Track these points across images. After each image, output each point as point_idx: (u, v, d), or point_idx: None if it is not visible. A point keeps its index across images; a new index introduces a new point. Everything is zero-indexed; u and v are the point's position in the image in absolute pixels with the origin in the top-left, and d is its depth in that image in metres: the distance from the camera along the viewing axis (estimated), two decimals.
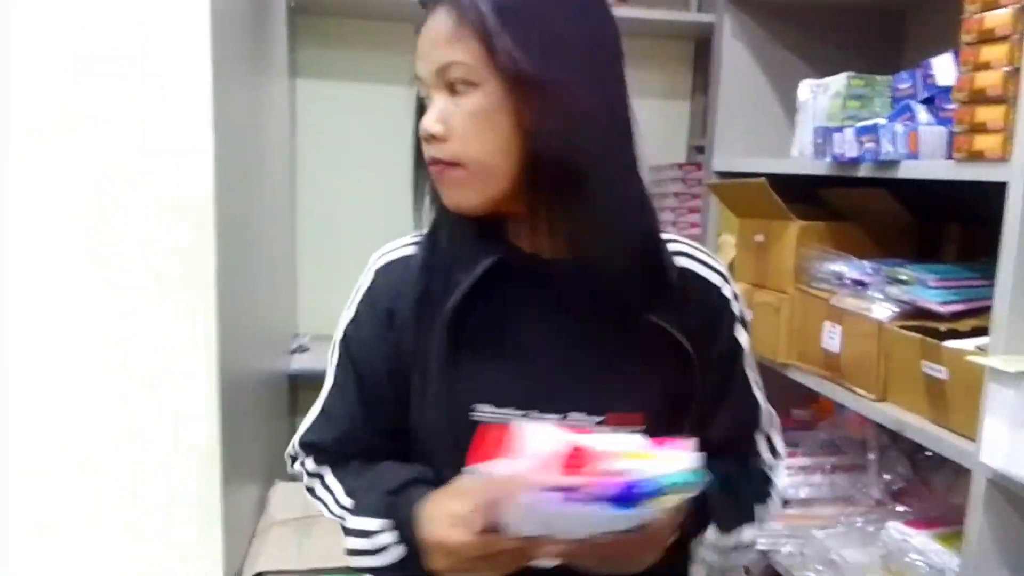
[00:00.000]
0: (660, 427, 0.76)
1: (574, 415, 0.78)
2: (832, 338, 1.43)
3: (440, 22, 0.73)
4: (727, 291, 0.86)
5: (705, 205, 2.10)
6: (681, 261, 0.84)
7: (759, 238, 1.65)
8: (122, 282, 1.35)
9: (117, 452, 1.39)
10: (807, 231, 1.54)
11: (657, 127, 2.50)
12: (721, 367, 0.85)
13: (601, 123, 0.75)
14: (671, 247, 0.83)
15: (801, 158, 1.64)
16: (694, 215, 2.28)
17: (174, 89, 1.31)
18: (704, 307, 0.84)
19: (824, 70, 1.66)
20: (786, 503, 1.57)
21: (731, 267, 1.78)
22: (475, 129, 0.73)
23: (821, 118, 1.58)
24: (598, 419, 0.78)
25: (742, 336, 0.87)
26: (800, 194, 1.61)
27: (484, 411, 0.78)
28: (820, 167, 1.50)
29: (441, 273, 0.80)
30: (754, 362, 0.90)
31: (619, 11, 2.23)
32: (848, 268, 1.42)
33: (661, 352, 0.79)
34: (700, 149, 2.37)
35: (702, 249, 0.87)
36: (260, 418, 1.83)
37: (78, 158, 1.30)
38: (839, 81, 1.55)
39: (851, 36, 1.91)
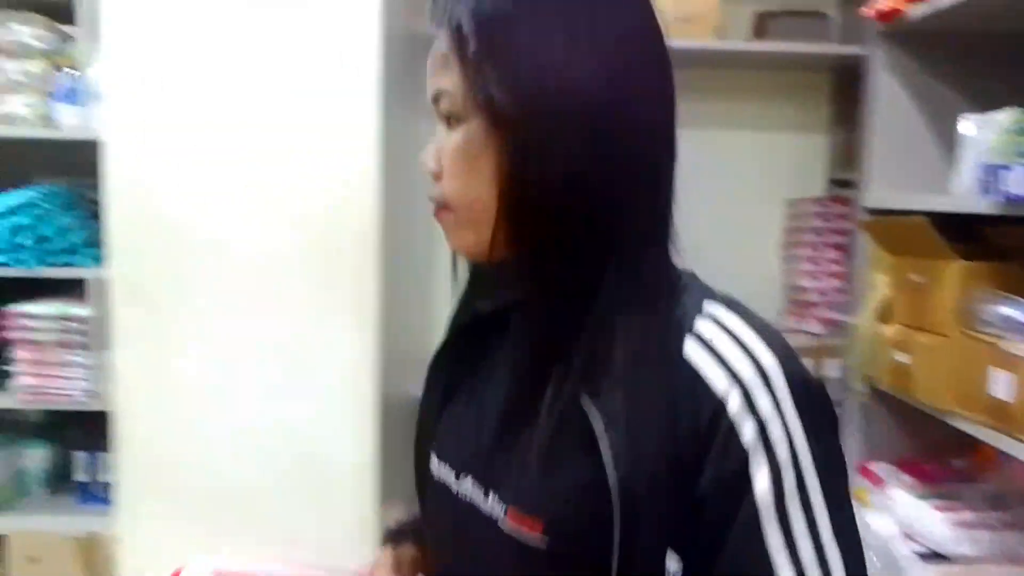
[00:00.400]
0: (569, 551, 0.61)
1: (492, 497, 0.67)
2: (1001, 385, 1.35)
3: (438, 46, 0.66)
4: (734, 403, 0.58)
5: (852, 242, 2.04)
6: (688, 349, 0.61)
7: (917, 278, 1.59)
8: (291, 300, 1.44)
9: (275, 466, 1.48)
10: (971, 271, 1.47)
11: (792, 161, 2.45)
12: (709, 516, 0.59)
13: (592, 181, 0.61)
14: (698, 326, 0.62)
15: (964, 195, 1.57)
16: (836, 252, 2.21)
17: (346, 117, 1.41)
18: (692, 420, 0.59)
19: (981, 103, 1.59)
20: (945, 559, 1.49)
21: (884, 308, 1.72)
22: (458, 169, 0.65)
23: (987, 154, 1.52)
24: (504, 508, 0.65)
25: (760, 478, 0.57)
26: (957, 232, 1.54)
27: (433, 462, 0.76)
28: (987, 205, 1.43)
29: (455, 315, 0.80)
30: (807, 524, 0.57)
31: (757, 46, 2.22)
32: (1021, 312, 1.34)
33: (581, 454, 0.61)
34: (842, 183, 2.31)
35: (737, 336, 0.61)
36: (406, 438, 1.90)
37: (257, 178, 1.41)
38: (1007, 116, 1.48)
39: (1011, 68, 1.82)
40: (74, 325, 2.07)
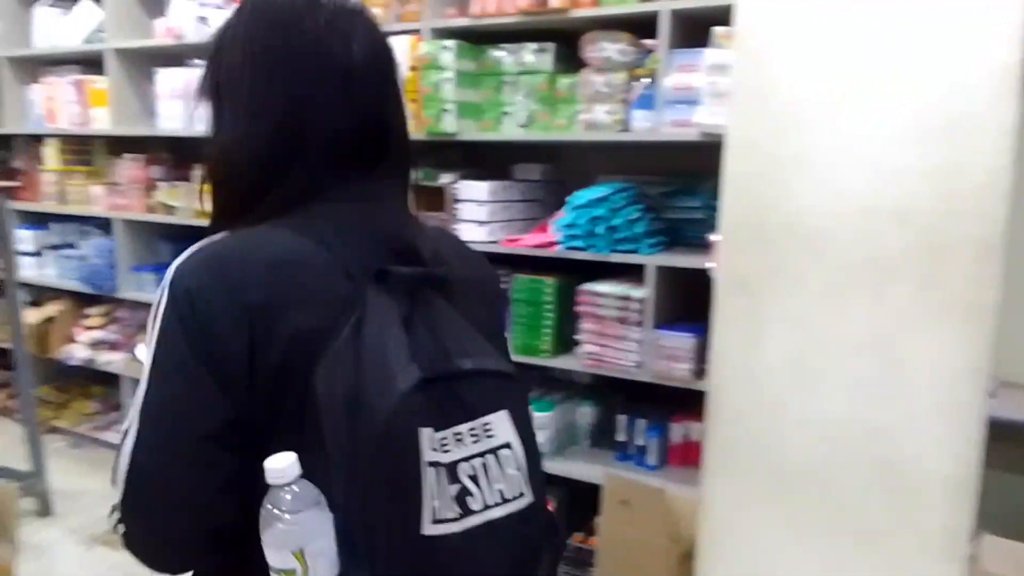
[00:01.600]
0: None
1: None
2: None
3: None
4: None
5: None
6: None
7: None
8: (891, 298, 1.42)
9: (854, 462, 1.48)
10: None
11: None
12: None
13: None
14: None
15: None
16: None
17: (975, 118, 1.34)
18: None
19: None
20: None
21: None
22: None
23: None
24: None
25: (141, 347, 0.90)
26: None
27: None
28: None
29: None
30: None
31: None
32: None
33: None
34: None
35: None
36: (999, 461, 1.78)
37: (865, 176, 1.42)
38: None
39: None
40: (632, 305, 2.35)
